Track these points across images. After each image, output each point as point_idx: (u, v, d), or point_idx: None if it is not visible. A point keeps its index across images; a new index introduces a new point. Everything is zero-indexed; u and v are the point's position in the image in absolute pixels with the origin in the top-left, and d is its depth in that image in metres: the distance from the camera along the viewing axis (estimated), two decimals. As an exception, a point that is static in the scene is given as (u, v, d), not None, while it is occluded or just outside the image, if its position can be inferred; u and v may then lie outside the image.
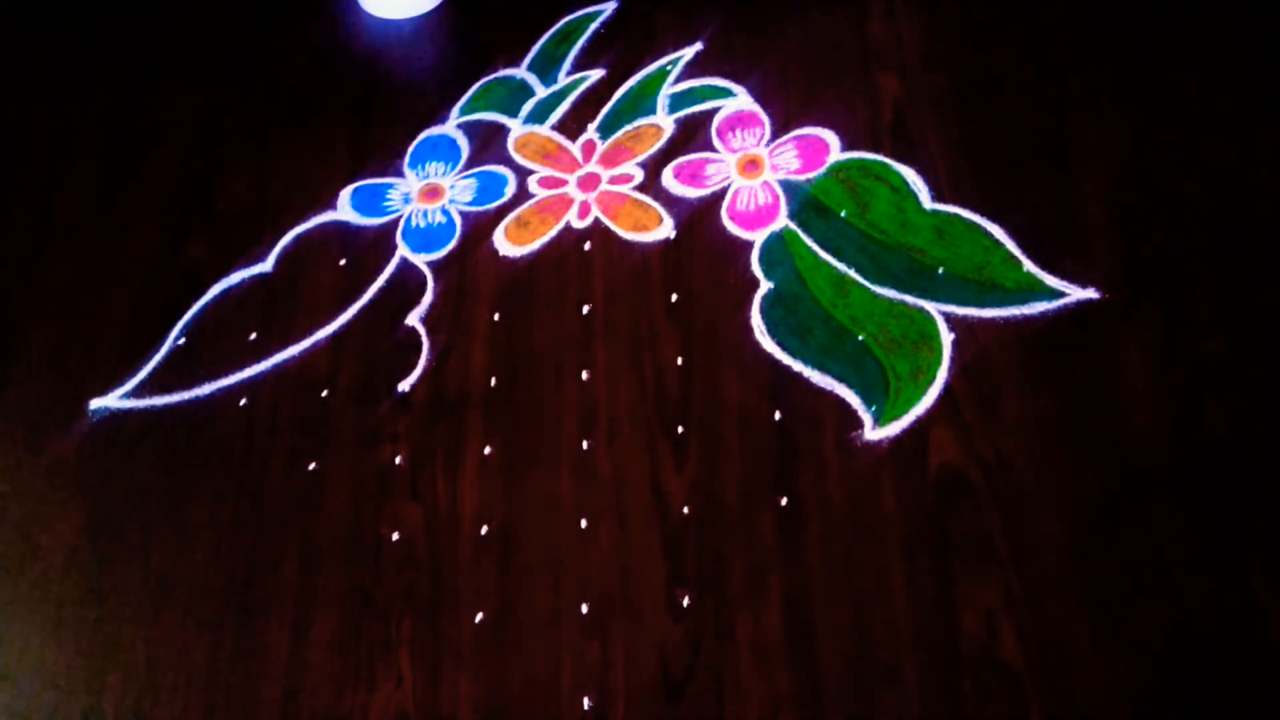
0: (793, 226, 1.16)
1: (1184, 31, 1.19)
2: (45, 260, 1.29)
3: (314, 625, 1.01)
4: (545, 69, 1.34)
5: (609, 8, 1.37)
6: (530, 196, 1.24)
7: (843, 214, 1.15)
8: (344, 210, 1.25)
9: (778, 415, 1.04)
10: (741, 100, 1.26)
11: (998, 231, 1.11)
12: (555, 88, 1.32)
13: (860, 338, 1.07)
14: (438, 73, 1.37)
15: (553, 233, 1.20)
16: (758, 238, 1.15)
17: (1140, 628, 0.89)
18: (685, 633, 0.95)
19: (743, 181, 1.20)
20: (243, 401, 1.15)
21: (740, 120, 1.24)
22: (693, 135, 1.25)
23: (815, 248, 1.14)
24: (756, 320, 1.10)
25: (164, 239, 1.27)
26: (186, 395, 1.16)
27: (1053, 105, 1.18)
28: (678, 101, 1.27)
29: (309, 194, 1.27)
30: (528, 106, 1.31)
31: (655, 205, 1.20)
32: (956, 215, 1.13)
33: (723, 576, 0.97)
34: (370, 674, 0.98)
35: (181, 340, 1.20)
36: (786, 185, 1.18)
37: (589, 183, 1.23)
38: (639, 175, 1.23)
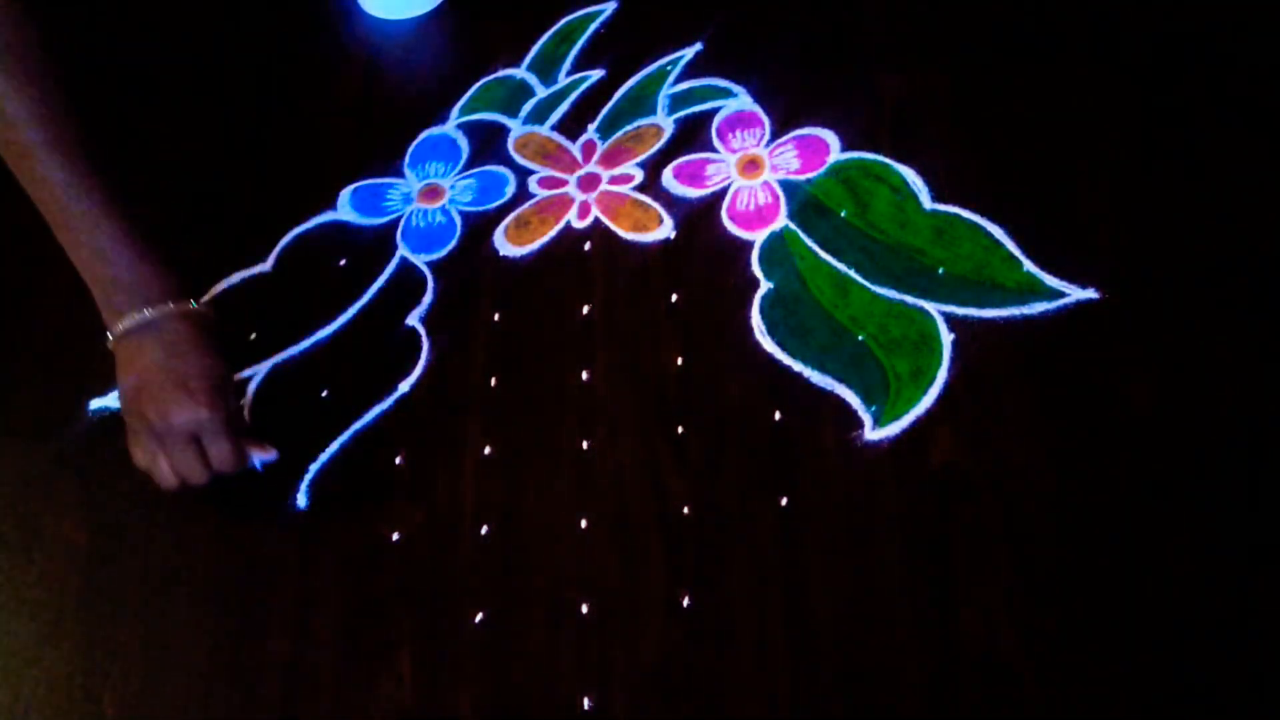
0: (793, 226, 1.16)
1: (1184, 32, 1.19)
2: (45, 259, 1.29)
3: (314, 625, 1.01)
4: (545, 69, 1.34)
5: (609, 8, 1.38)
6: (530, 197, 1.24)
7: (843, 214, 1.15)
8: (344, 210, 1.25)
9: (778, 415, 1.04)
10: (741, 100, 1.26)
11: (998, 231, 1.11)
12: (555, 88, 1.32)
13: (860, 338, 1.07)
14: (438, 73, 1.37)
15: (553, 233, 1.20)
16: (758, 238, 1.15)
17: (1140, 628, 0.89)
18: (685, 633, 0.95)
19: (743, 182, 1.20)
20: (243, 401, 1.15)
21: (740, 120, 1.24)
22: (693, 135, 1.25)
23: (815, 248, 1.14)
24: (756, 320, 1.10)
25: (164, 239, 1.27)
26: (186, 395, 1.16)
27: (1053, 105, 1.18)
28: (678, 102, 1.27)
29: (309, 194, 1.27)
30: (528, 106, 1.31)
31: (655, 205, 1.20)
32: (956, 215, 1.13)
33: (723, 576, 0.97)
34: (370, 674, 0.98)
35: (181, 340, 1.20)
36: (786, 185, 1.18)
37: (589, 183, 1.23)
38: (639, 175, 1.23)
